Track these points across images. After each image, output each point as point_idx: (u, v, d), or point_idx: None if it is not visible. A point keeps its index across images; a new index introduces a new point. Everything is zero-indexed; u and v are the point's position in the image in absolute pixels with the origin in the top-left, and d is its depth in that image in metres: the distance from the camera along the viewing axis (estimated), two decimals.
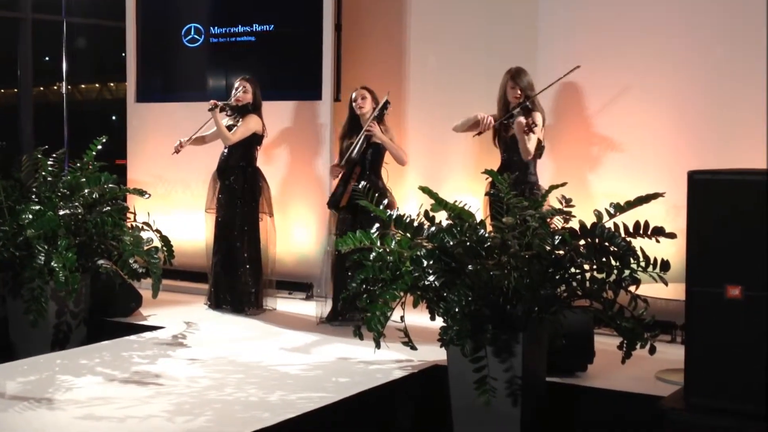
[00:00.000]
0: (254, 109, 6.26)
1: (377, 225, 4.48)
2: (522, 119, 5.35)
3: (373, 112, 5.83)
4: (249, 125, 6.20)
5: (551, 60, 5.83)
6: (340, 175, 5.89)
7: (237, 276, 6.24)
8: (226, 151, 6.27)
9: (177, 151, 6.34)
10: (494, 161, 5.68)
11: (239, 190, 6.23)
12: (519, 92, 5.50)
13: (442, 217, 4.34)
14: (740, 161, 4.95)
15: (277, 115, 6.85)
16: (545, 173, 5.72)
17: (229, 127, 6.20)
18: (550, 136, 5.76)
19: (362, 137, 5.78)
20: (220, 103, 6.17)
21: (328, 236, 6.07)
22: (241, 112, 6.25)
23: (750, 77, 5.34)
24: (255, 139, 6.27)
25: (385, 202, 5.07)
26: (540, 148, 5.54)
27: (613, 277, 4.08)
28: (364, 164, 5.86)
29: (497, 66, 6.06)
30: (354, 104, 5.92)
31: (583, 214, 4.24)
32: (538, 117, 5.43)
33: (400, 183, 6.47)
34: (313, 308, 6.23)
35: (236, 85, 6.28)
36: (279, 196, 6.80)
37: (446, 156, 6.47)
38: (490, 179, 5.09)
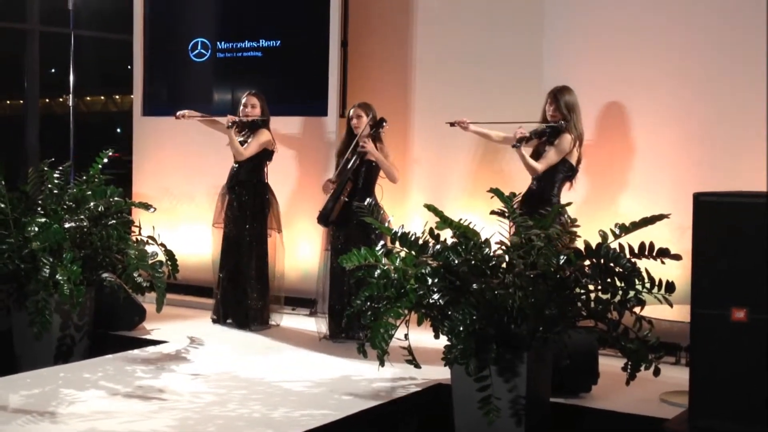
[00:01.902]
0: (264, 123, 6.28)
1: (381, 243, 4.48)
2: (517, 131, 5.34)
3: (369, 129, 5.85)
4: (260, 140, 6.22)
5: (556, 76, 5.83)
6: (331, 191, 5.91)
7: (244, 291, 6.24)
8: (236, 166, 6.28)
9: (177, 117, 6.38)
10: (498, 179, 5.68)
11: (249, 205, 6.23)
12: (554, 111, 5.42)
13: (447, 235, 4.34)
14: (746, 183, 4.95)
15: (283, 130, 6.87)
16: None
17: (240, 143, 6.21)
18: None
19: (356, 153, 5.80)
20: (237, 120, 6.19)
21: (323, 252, 6.08)
22: (251, 127, 6.26)
23: (757, 97, 5.35)
24: (265, 154, 6.28)
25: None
26: (570, 169, 5.41)
27: (618, 297, 4.08)
28: (357, 181, 5.88)
29: (504, 82, 6.10)
30: (350, 122, 5.94)
31: (590, 235, 4.24)
32: (565, 139, 5.33)
33: (404, 201, 6.49)
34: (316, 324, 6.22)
35: (243, 100, 6.29)
36: (284, 211, 6.80)
37: (451, 174, 6.47)
38: (519, 198, 5.12)
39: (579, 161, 5.44)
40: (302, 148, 6.87)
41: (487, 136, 5.88)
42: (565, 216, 4.98)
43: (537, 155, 5.48)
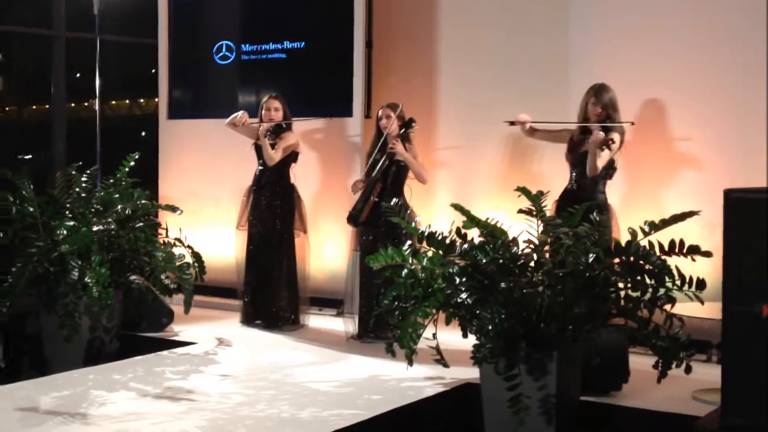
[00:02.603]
0: (288, 126, 6.30)
1: (408, 242, 4.47)
2: (601, 133, 5.22)
3: (398, 130, 5.84)
4: (289, 142, 6.25)
5: (582, 75, 5.80)
6: (360, 191, 5.91)
7: (273, 293, 6.26)
8: (261, 168, 6.30)
9: (237, 124, 6.29)
10: (524, 178, 5.64)
11: (276, 206, 6.25)
12: (600, 109, 5.36)
13: (474, 234, 4.33)
14: None
15: (308, 131, 6.89)
16: None
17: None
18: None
19: (385, 153, 5.80)
20: (270, 125, 6.21)
21: (351, 252, 6.08)
22: (275, 131, 6.28)
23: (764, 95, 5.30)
24: (291, 156, 6.31)
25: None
26: (612, 168, 5.38)
27: (648, 295, 4.06)
28: (386, 181, 5.87)
29: (529, 81, 6.07)
30: (379, 123, 5.94)
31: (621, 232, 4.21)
32: (616, 136, 5.29)
33: (430, 200, 6.47)
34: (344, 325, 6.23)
35: (265, 104, 6.28)
36: (310, 212, 6.81)
37: (477, 173, 6.45)
38: (555, 200, 5.10)
39: (617, 158, 5.43)
40: (327, 149, 6.87)
41: (531, 132, 5.72)
42: (607, 214, 4.95)
43: (575, 159, 5.42)
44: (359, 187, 5.91)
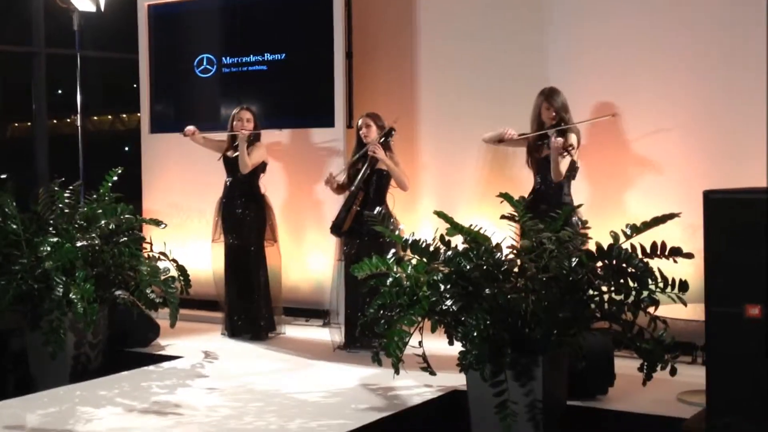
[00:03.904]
0: (256, 137, 6.38)
1: (393, 251, 4.49)
2: (560, 139, 5.29)
3: (379, 138, 5.86)
4: (260, 152, 6.34)
5: (561, 83, 5.84)
6: (335, 187, 5.98)
7: (252, 303, 6.32)
8: (230, 180, 6.38)
9: (185, 134, 6.46)
10: (506, 184, 5.66)
11: (246, 217, 6.31)
12: (554, 113, 5.45)
13: (457, 241, 4.34)
14: (754, 179, 4.95)
15: (291, 142, 6.90)
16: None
17: (236, 158, 6.28)
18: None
19: (366, 159, 5.82)
20: (251, 132, 6.29)
21: (336, 262, 6.09)
22: (248, 141, 6.34)
23: (763, 94, 5.35)
24: (261, 167, 6.38)
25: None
26: (574, 169, 5.47)
27: (632, 298, 4.07)
28: (368, 190, 5.89)
29: (509, 90, 6.10)
30: (359, 132, 5.97)
31: (601, 236, 4.23)
32: (573, 138, 5.39)
33: (413, 208, 6.49)
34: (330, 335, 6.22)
35: (237, 115, 6.35)
36: (294, 223, 6.83)
37: (459, 180, 6.48)
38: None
39: (577, 159, 5.50)
40: (311, 159, 6.88)
41: (512, 142, 5.75)
42: (576, 218, 4.98)
43: (537, 165, 5.51)
44: (332, 182, 5.93)
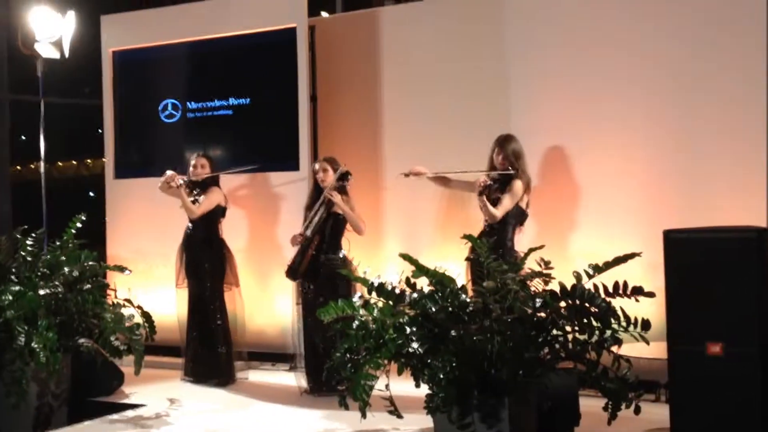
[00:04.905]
0: (213, 181, 6.38)
1: (358, 294, 4.49)
2: (481, 178, 5.47)
3: (335, 182, 5.88)
4: (212, 198, 6.36)
5: (524, 123, 5.93)
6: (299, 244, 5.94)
7: (214, 349, 6.31)
8: (191, 225, 6.42)
9: (168, 181, 6.34)
10: (471, 226, 5.71)
11: (206, 262, 6.32)
12: (502, 159, 5.56)
13: (423, 283, 4.36)
14: (715, 218, 5.02)
15: (256, 186, 6.90)
16: (526, 234, 5.75)
17: (192, 202, 6.31)
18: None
19: (323, 206, 5.85)
20: (186, 180, 6.33)
21: (293, 307, 6.09)
22: (202, 186, 6.38)
23: (723, 134, 5.46)
24: (219, 211, 6.40)
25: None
26: (523, 215, 5.57)
27: (595, 337, 4.10)
28: (324, 234, 5.90)
29: (472, 134, 6.17)
30: (316, 176, 5.99)
31: (562, 275, 4.27)
32: (516, 185, 5.49)
33: (379, 251, 6.51)
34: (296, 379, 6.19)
35: (193, 162, 6.41)
36: (260, 267, 6.81)
37: (424, 222, 6.51)
38: (470, 244, 5.13)
39: (528, 205, 5.59)
40: (276, 202, 6.90)
41: (445, 181, 5.95)
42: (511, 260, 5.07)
43: (491, 203, 5.58)
44: (298, 241, 5.94)
